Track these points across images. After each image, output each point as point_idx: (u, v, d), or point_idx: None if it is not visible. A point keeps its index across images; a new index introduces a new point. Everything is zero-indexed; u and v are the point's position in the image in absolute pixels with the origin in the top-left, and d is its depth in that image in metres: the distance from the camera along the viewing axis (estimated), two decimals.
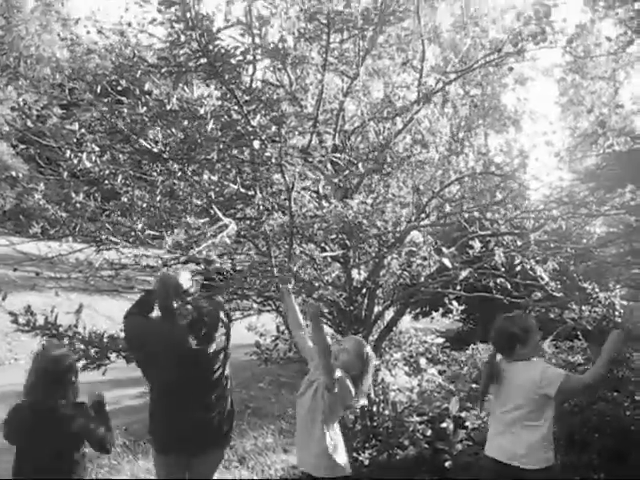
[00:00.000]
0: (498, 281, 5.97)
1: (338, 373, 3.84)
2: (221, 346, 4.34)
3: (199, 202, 5.44)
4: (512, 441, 3.78)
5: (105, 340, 5.09)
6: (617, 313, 6.40)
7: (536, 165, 5.36)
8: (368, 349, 4.07)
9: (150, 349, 4.25)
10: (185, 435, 4.21)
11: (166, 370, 4.20)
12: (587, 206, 5.28)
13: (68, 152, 5.11)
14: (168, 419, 4.27)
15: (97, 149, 5.17)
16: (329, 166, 5.39)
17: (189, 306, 4.25)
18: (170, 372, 4.19)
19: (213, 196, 5.18)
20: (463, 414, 5.38)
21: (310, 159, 5.17)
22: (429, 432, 5.38)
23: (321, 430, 3.86)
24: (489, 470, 3.95)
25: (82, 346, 5.05)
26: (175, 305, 4.22)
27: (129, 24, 5.99)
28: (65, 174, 5.49)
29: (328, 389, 3.81)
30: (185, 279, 4.38)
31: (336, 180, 5.29)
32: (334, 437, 3.91)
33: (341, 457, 3.88)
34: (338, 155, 5.16)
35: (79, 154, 5.08)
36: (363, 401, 4.30)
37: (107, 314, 6.41)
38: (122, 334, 5.22)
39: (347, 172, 5.37)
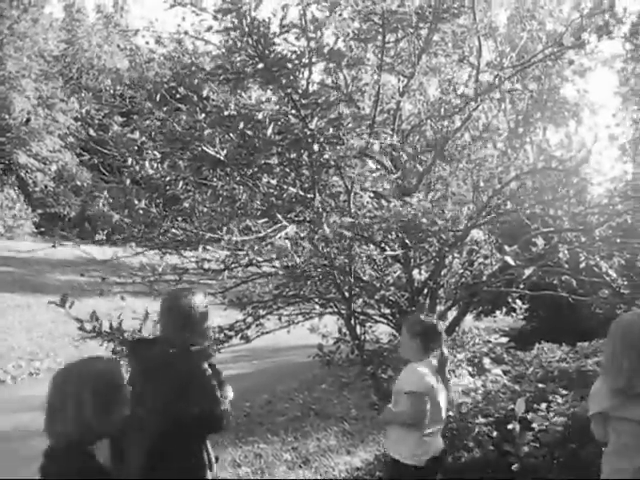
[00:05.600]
0: (563, 278, 5.85)
1: None
2: None
3: (259, 205, 5.49)
4: None
5: None
6: None
7: (599, 158, 5.24)
8: None
9: None
10: None
11: None
12: None
13: (130, 160, 5.22)
14: None
15: (158, 156, 5.27)
16: (388, 164, 5.38)
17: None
18: None
19: (273, 199, 5.22)
20: (529, 415, 5.28)
21: (368, 160, 5.16)
22: (495, 434, 5.30)
23: None
24: None
25: None
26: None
27: (186, 32, 6.08)
28: (127, 181, 5.60)
29: None
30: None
31: (395, 177, 5.27)
32: None
33: None
34: (397, 146, 5.14)
35: (141, 161, 5.18)
36: None
37: None
38: None
39: (407, 167, 5.35)
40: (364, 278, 5.53)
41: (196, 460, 3.54)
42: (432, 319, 4.30)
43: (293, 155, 4.77)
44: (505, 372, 6.51)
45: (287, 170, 5.26)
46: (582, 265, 5.72)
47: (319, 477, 6.85)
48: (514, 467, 4.93)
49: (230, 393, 3.79)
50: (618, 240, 5.57)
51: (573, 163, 5.15)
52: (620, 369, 3.36)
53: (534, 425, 5.22)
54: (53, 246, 6.34)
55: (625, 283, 5.72)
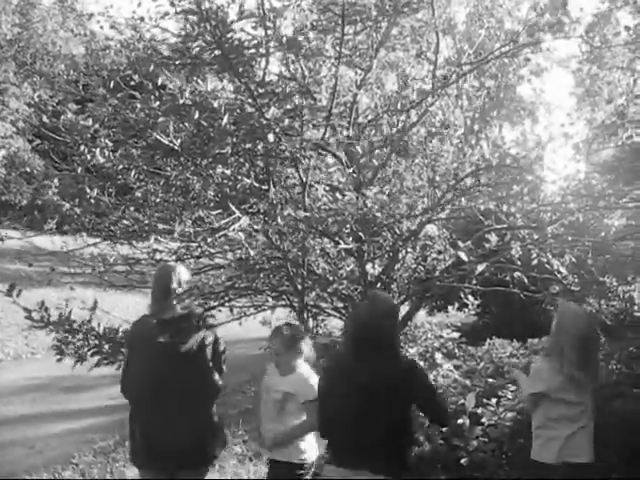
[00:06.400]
0: (515, 275, 5.91)
1: None
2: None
3: (212, 196, 5.42)
4: None
5: (120, 335, 5.09)
6: (636, 307, 6.32)
7: (553, 157, 5.28)
8: None
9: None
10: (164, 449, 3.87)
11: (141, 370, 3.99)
12: (605, 199, 5.20)
13: (82, 147, 5.10)
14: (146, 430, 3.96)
15: (111, 144, 5.16)
16: (344, 157, 5.35)
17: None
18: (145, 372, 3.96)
19: (227, 190, 5.15)
20: (479, 410, 5.33)
21: (324, 152, 5.13)
22: (444, 428, 5.33)
23: None
24: None
25: (96, 341, 5.05)
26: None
27: (142, 19, 5.96)
28: (79, 169, 5.48)
29: None
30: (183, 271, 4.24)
31: (350, 170, 5.25)
32: None
33: None
34: (354, 141, 5.10)
35: (93, 149, 5.07)
36: None
37: (122, 309, 6.41)
38: None
39: (362, 160, 5.32)
40: (317, 271, 5.50)
41: None
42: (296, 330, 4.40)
43: (248, 145, 4.71)
44: (456, 367, 6.55)
45: (242, 161, 5.20)
46: (534, 262, 5.77)
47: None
48: (463, 461, 4.97)
49: None
50: (570, 238, 5.63)
51: (528, 161, 5.19)
52: (563, 357, 3.81)
53: (484, 420, 5.27)
54: (1, 239, 6.17)
55: (576, 280, 5.80)
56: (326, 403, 3.63)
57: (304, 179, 4.89)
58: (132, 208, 5.83)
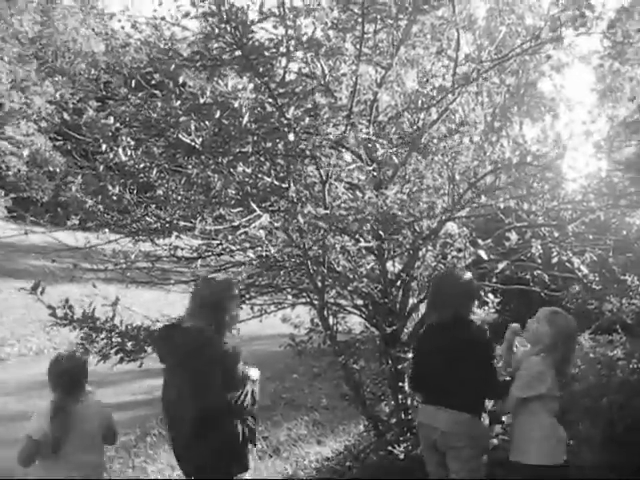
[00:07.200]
0: (535, 273, 5.89)
1: None
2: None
3: (233, 194, 5.45)
4: None
5: (142, 333, 5.14)
6: None
7: (574, 155, 5.25)
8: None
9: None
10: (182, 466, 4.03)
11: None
12: (627, 197, 5.17)
13: (104, 145, 5.15)
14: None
15: (132, 142, 5.21)
16: (364, 155, 5.35)
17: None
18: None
19: (248, 188, 5.18)
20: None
21: (344, 150, 5.13)
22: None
23: None
24: None
25: (119, 339, 5.10)
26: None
27: (163, 18, 6.00)
28: (101, 167, 5.54)
29: None
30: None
31: (370, 168, 5.26)
32: None
33: None
34: (374, 138, 5.10)
35: (114, 147, 5.12)
36: None
37: (143, 304, 6.47)
38: (158, 325, 5.26)
39: (383, 157, 5.31)
40: (337, 269, 5.51)
41: (231, 437, 3.91)
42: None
43: (269, 144, 4.73)
44: None
45: (262, 159, 5.22)
46: (554, 260, 5.76)
47: (289, 467, 6.86)
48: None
49: (254, 373, 4.17)
50: (591, 236, 5.61)
51: (548, 158, 5.17)
52: (561, 358, 3.99)
53: (504, 418, 5.26)
54: (25, 233, 6.26)
55: (596, 279, 5.77)
56: (420, 360, 4.51)
57: (324, 177, 4.91)
58: (154, 206, 5.88)
